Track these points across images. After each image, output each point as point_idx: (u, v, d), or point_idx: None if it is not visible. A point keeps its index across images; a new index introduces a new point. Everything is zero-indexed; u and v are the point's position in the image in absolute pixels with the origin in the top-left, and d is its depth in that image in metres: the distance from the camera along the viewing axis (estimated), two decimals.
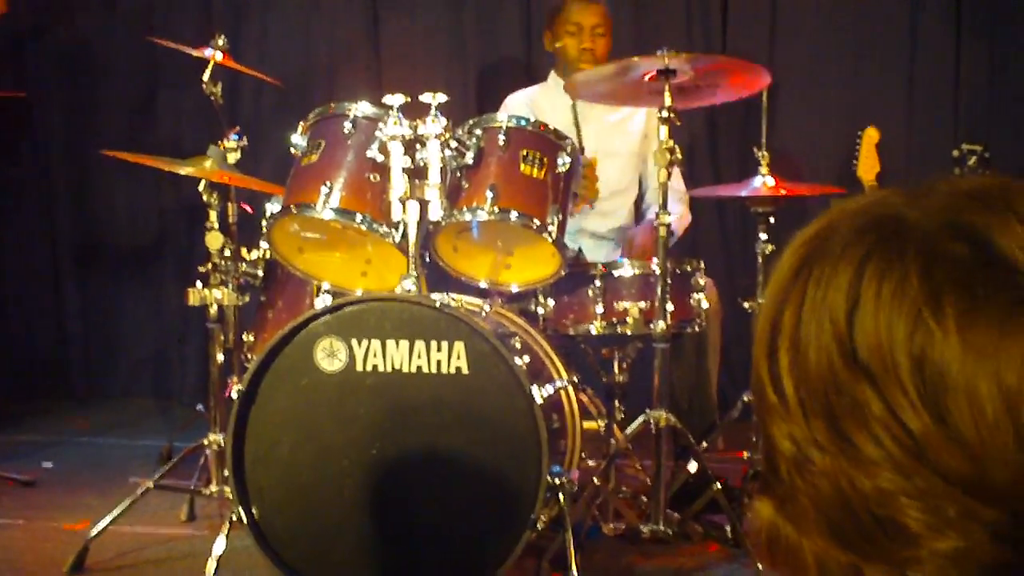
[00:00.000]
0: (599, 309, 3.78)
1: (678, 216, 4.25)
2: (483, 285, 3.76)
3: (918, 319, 0.83)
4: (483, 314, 3.54)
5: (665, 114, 3.62)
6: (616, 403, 4.02)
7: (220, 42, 4.21)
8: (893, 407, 0.84)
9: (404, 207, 3.39)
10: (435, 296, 3.33)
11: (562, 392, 3.66)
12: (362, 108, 3.57)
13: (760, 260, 3.98)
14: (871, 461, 0.85)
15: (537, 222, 3.49)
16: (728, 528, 3.78)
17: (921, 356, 0.83)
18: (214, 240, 3.96)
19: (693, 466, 3.78)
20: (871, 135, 4.86)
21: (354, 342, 3.28)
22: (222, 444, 3.87)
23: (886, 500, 0.85)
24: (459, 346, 3.24)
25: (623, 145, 4.62)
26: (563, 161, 3.59)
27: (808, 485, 0.89)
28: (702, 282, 3.88)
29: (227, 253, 3.98)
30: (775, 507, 0.92)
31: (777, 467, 0.92)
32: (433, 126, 3.40)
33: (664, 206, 3.64)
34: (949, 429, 0.82)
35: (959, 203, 0.87)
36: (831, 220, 0.93)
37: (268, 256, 3.98)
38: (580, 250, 4.53)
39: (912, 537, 0.84)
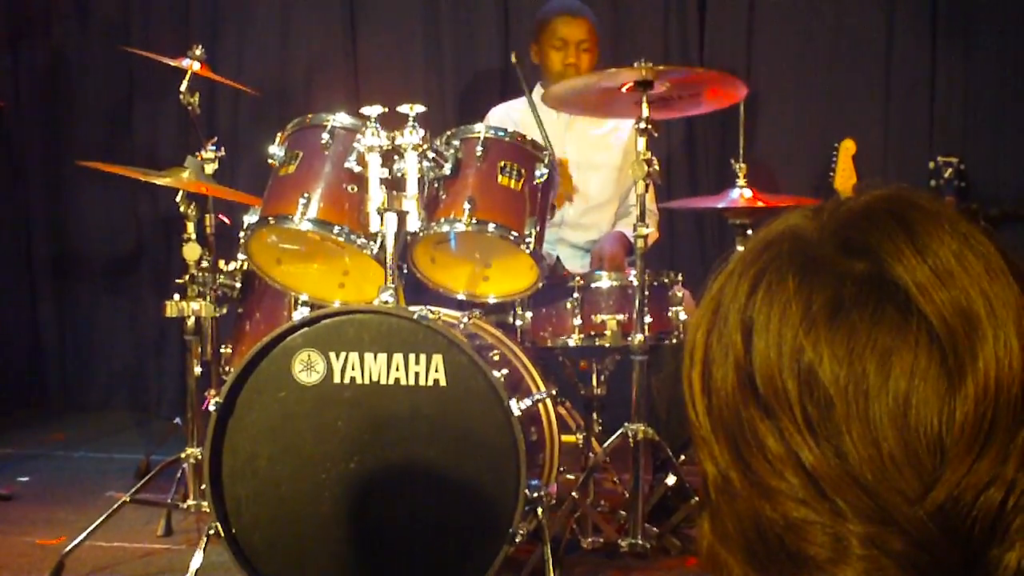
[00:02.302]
0: (577, 321, 3.77)
1: None
2: (461, 297, 3.75)
3: (799, 341, 0.83)
4: (461, 326, 3.54)
5: (643, 125, 3.62)
6: (594, 416, 4.01)
7: (197, 52, 4.20)
8: (787, 440, 0.84)
9: (382, 218, 3.38)
10: (413, 308, 3.32)
11: (540, 405, 3.65)
12: (340, 119, 3.56)
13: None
14: (774, 491, 0.85)
15: (515, 234, 3.49)
16: None
17: (809, 379, 0.83)
18: (191, 251, 3.94)
19: (672, 479, 3.77)
20: (848, 147, 4.89)
21: (332, 354, 3.27)
22: (199, 457, 3.84)
23: (792, 529, 0.85)
24: (437, 358, 3.23)
25: (605, 159, 4.62)
26: (541, 172, 3.59)
27: (729, 507, 0.89)
28: (680, 294, 3.88)
29: (204, 264, 3.96)
30: (709, 524, 0.92)
31: (707, 485, 0.92)
32: (411, 137, 3.39)
33: (641, 217, 3.64)
34: (843, 460, 0.82)
35: (854, 220, 0.87)
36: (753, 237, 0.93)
37: (245, 267, 3.96)
38: (558, 258, 4.53)
39: (817, 565, 0.84)
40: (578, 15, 4.58)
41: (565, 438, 3.91)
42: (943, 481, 0.81)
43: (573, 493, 3.72)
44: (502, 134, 3.63)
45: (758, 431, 0.85)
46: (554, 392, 3.78)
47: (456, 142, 3.57)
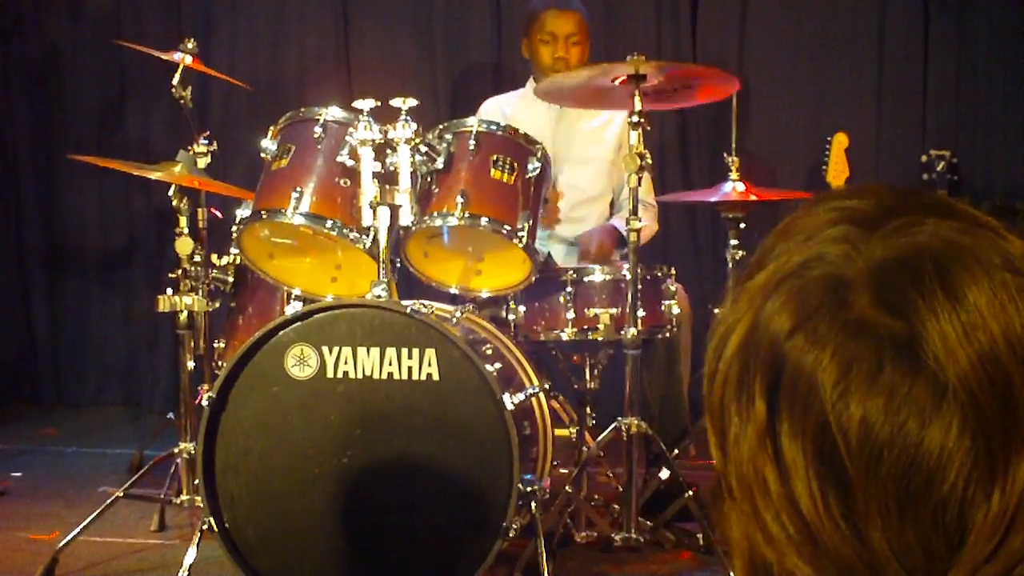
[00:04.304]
0: (570, 315, 3.77)
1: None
2: (454, 291, 3.75)
3: (828, 407, 0.80)
4: (454, 320, 3.53)
5: (635, 119, 3.62)
6: (587, 410, 4.01)
7: (189, 45, 4.18)
8: (792, 493, 0.81)
9: (374, 212, 3.38)
10: (406, 302, 3.32)
11: (533, 399, 3.65)
12: (332, 112, 3.56)
13: (731, 265, 3.99)
14: (775, 538, 0.83)
15: (508, 228, 3.48)
16: (700, 536, 3.78)
17: (830, 444, 0.80)
18: (184, 246, 3.93)
19: (665, 473, 3.77)
20: (840, 140, 4.89)
21: (325, 349, 3.27)
22: (192, 452, 3.84)
23: None
24: (430, 353, 3.23)
25: (597, 152, 4.61)
26: (533, 166, 3.59)
27: (736, 520, 0.87)
28: (673, 288, 3.88)
29: (197, 259, 3.95)
30: (722, 516, 0.90)
31: (719, 480, 0.90)
32: (403, 131, 3.39)
33: (634, 211, 3.64)
34: (850, 531, 0.79)
35: (894, 270, 0.81)
36: (783, 256, 0.87)
37: (238, 262, 3.96)
38: (549, 255, 4.53)
39: None
40: (567, 8, 4.57)
41: (558, 432, 3.91)
42: (956, 569, 0.78)
43: (566, 487, 3.72)
44: (494, 128, 3.62)
45: (762, 472, 0.83)
46: (547, 386, 3.78)
47: (448, 136, 3.57)
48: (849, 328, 0.80)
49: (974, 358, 0.77)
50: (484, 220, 3.48)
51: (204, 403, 3.32)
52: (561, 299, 3.79)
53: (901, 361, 0.78)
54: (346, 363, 3.27)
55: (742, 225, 3.99)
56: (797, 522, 0.81)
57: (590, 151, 4.61)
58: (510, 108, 4.64)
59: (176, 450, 4.04)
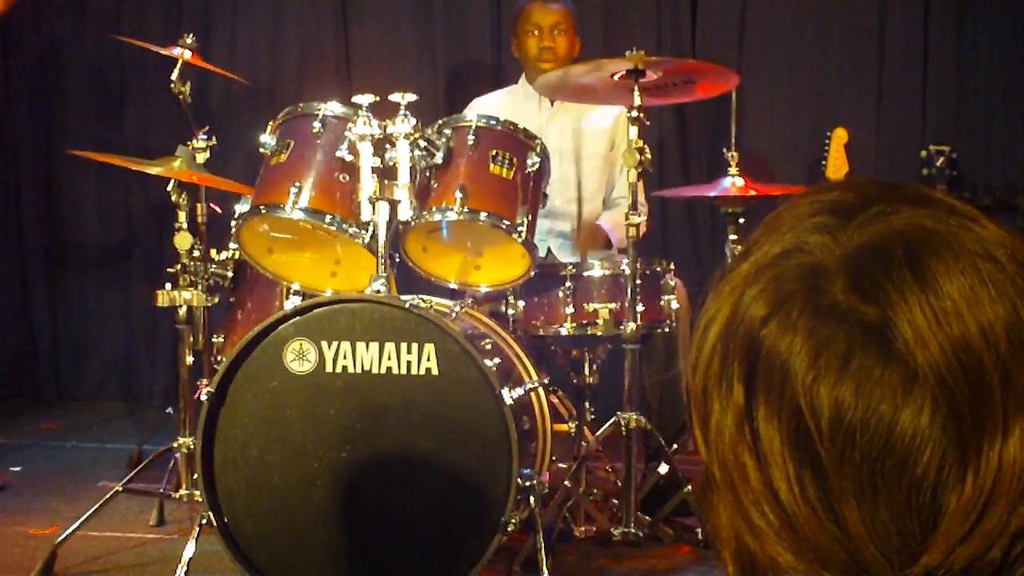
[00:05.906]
0: (569, 310, 3.77)
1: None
2: (453, 286, 3.75)
3: (800, 392, 0.81)
4: (453, 315, 3.53)
5: (634, 114, 3.62)
6: (586, 405, 4.01)
7: (188, 41, 4.18)
8: (770, 479, 0.82)
9: (374, 207, 3.38)
10: (405, 297, 3.32)
11: (532, 394, 3.65)
12: (331, 108, 3.55)
13: (730, 260, 3.98)
14: (756, 526, 0.84)
15: (507, 222, 3.48)
16: (699, 530, 3.78)
17: (805, 430, 0.81)
18: (183, 241, 3.93)
19: (664, 468, 3.78)
20: (840, 135, 4.89)
21: (324, 343, 3.27)
22: (191, 447, 3.84)
23: (777, 572, 0.83)
24: (429, 347, 3.23)
25: (591, 148, 4.61)
26: (532, 161, 3.59)
27: (724, 511, 0.88)
28: (672, 283, 3.88)
29: (196, 254, 3.95)
30: (710, 509, 0.91)
31: (707, 470, 0.90)
32: (402, 126, 3.39)
33: (633, 206, 3.64)
34: (826, 513, 0.80)
35: (869, 257, 0.82)
36: (765, 247, 0.88)
37: (237, 257, 3.95)
38: (549, 250, 4.53)
39: None
40: (551, 0, 4.60)
41: (557, 427, 3.91)
42: (931, 551, 0.79)
43: (566, 482, 3.72)
44: (494, 123, 3.62)
45: (742, 461, 0.84)
46: (546, 381, 3.78)
47: (448, 131, 3.56)
48: (821, 314, 0.82)
49: (946, 345, 0.78)
50: (483, 215, 3.48)
51: (203, 398, 3.32)
52: (560, 294, 3.79)
53: (873, 346, 0.79)
54: (345, 358, 3.27)
55: (741, 220, 3.99)
56: (776, 509, 0.82)
57: (584, 148, 4.60)
58: (498, 106, 4.62)
59: (175, 444, 4.04)
